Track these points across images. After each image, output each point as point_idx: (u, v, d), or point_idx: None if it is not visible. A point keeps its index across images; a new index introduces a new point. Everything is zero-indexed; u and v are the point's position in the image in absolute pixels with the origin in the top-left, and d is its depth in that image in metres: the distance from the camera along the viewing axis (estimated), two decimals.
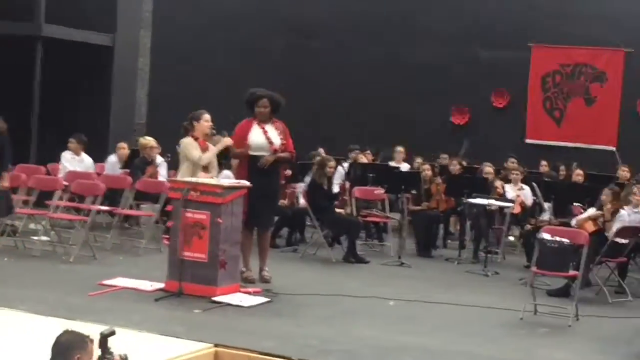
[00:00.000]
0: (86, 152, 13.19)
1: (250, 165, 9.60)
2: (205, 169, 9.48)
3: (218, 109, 10.45)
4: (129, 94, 16.60)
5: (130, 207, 12.10)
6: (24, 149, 13.30)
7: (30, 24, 14.06)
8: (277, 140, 9.65)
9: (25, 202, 11.64)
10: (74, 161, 13.06)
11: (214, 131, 9.88)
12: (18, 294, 8.44)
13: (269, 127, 9.70)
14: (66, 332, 3.93)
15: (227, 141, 9.94)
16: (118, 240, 11.84)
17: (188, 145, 9.54)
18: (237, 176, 9.98)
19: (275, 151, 9.61)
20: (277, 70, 16.62)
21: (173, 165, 12.31)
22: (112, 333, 3.93)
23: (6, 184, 9.31)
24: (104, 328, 4.03)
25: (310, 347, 7.17)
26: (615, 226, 10.06)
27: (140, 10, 17.57)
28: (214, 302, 8.54)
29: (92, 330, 4.09)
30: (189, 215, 8.87)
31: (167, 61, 16.89)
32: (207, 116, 9.62)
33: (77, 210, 11.86)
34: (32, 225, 11.87)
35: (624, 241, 10.16)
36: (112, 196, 12.19)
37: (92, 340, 3.92)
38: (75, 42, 14.59)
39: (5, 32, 14.38)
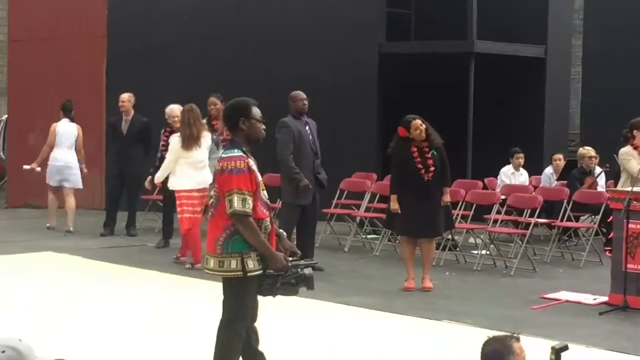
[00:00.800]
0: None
1: None
2: None
3: None
4: (562, 104, 16.36)
5: (569, 219, 11.88)
6: (461, 165, 13.58)
7: (464, 41, 14.39)
8: None
9: (464, 217, 11.87)
10: (514, 176, 13.15)
11: None
12: (462, 308, 8.61)
13: None
14: (491, 339, 3.81)
15: None
16: (557, 253, 11.70)
17: (625, 155, 9.18)
18: None
19: None
20: None
21: (611, 175, 11.93)
22: (565, 348, 3.78)
23: (448, 199, 9.58)
24: (555, 343, 3.91)
25: None
26: None
27: (571, 18, 17.29)
28: None
29: (539, 345, 4.00)
30: (632, 226, 8.52)
31: (599, 69, 16.42)
32: None
33: (516, 224, 11.88)
34: (471, 240, 12.08)
35: None
36: (550, 208, 12.08)
37: (517, 339, 3.79)
38: (506, 55, 14.68)
39: (441, 51, 14.86)
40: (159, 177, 10.87)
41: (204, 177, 10.28)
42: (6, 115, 17.85)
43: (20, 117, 17.10)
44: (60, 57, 16.48)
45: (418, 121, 9.27)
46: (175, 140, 10.48)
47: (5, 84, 18.00)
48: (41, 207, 14.99)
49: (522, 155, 13.21)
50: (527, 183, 13.12)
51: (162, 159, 10.99)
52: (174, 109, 11.36)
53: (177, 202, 10.44)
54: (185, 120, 10.43)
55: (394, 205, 9.38)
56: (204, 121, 10.99)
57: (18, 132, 17.12)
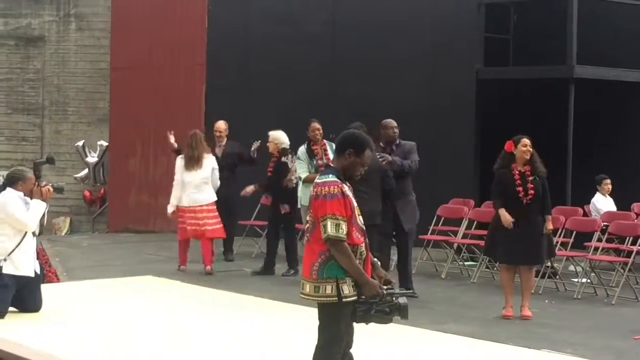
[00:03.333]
0: (614, 192, 13.00)
1: None
2: None
3: None
4: None
5: None
6: (561, 191, 13.37)
7: (563, 66, 14.20)
8: None
9: (564, 244, 11.64)
10: (605, 202, 12.90)
11: None
12: (562, 337, 8.44)
13: None
14: None
15: None
16: None
17: None
18: None
19: None
20: None
21: None
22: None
23: (550, 227, 9.44)
24: None
25: None
26: None
27: None
28: None
29: None
30: None
31: None
32: None
33: (617, 252, 11.61)
34: (571, 267, 11.85)
35: None
36: None
37: None
38: (607, 80, 14.43)
39: (539, 76, 14.69)
40: (172, 201, 11.82)
41: (205, 196, 11.63)
42: (106, 143, 18.27)
43: (120, 144, 17.48)
44: (160, 85, 16.82)
45: (528, 141, 9.26)
46: (178, 162, 11.79)
47: (107, 110, 18.44)
48: (141, 232, 15.28)
49: (609, 181, 13.01)
50: (614, 209, 12.84)
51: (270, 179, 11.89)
52: (276, 136, 11.85)
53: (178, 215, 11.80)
54: (189, 143, 11.67)
55: (507, 216, 9.19)
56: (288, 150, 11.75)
57: (119, 158, 17.50)
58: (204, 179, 11.65)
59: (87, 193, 19.04)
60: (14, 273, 8.62)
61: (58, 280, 11.59)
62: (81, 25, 19.51)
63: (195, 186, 11.62)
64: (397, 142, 10.24)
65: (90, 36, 19.42)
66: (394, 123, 10.22)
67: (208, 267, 11.72)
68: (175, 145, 12.77)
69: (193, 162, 11.58)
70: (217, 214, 11.77)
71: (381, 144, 10.12)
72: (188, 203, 11.65)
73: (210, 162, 11.76)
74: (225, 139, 12.91)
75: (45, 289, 9.33)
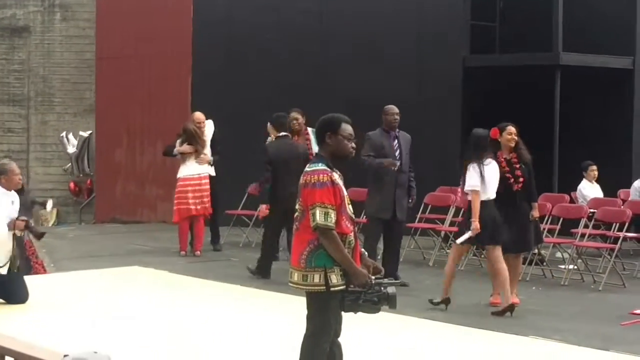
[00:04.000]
0: (600, 179, 13.03)
1: None
2: None
3: None
4: None
5: None
6: (547, 178, 13.40)
7: (549, 53, 14.22)
8: None
9: (551, 231, 11.68)
10: (592, 189, 12.94)
11: None
12: (550, 324, 8.47)
13: None
14: None
15: None
16: None
17: None
18: None
19: None
20: None
21: None
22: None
23: (537, 214, 9.47)
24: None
25: None
26: None
27: None
28: None
29: None
30: None
31: None
32: None
33: (604, 238, 11.65)
34: (558, 254, 11.89)
35: None
36: (639, 222, 11.81)
37: None
38: (593, 67, 14.45)
39: (526, 63, 14.71)
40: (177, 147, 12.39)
41: (205, 168, 12.27)
42: (90, 132, 18.18)
43: (107, 134, 17.42)
44: (145, 75, 16.76)
45: (513, 129, 9.27)
46: (178, 144, 12.29)
47: (93, 100, 18.38)
48: (127, 222, 15.25)
49: (595, 167, 13.04)
50: (601, 196, 12.87)
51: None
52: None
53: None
54: (191, 133, 12.20)
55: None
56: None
57: (105, 148, 17.44)
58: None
59: (72, 184, 18.97)
60: None
61: (45, 272, 11.54)
62: (66, 16, 19.41)
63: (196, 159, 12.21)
64: (397, 131, 10.30)
65: (75, 26, 19.31)
66: (395, 109, 10.26)
67: (198, 252, 12.09)
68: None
69: (196, 145, 12.22)
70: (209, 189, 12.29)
71: (383, 128, 10.21)
72: (186, 173, 12.17)
73: (209, 129, 12.42)
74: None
75: (32, 280, 9.31)
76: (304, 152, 10.85)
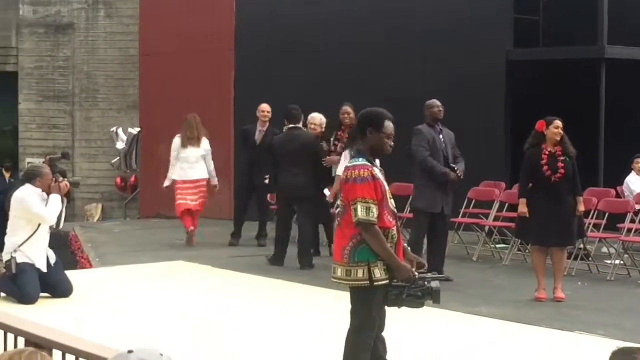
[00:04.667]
0: None
1: None
2: None
3: None
4: None
5: None
6: (593, 173, 13.26)
7: (594, 46, 14.06)
8: None
9: (596, 226, 11.56)
10: (638, 182, 12.76)
11: None
12: (595, 319, 8.39)
13: None
14: (618, 351, 3.59)
15: None
16: None
17: None
18: None
19: None
20: None
21: None
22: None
23: (582, 208, 9.39)
24: None
25: None
26: None
27: None
28: None
29: None
30: None
31: None
32: None
33: None
34: (604, 249, 11.76)
35: None
36: None
37: None
38: (638, 60, 14.27)
39: (570, 57, 14.57)
40: (169, 176, 12.85)
41: (201, 171, 12.67)
42: (138, 129, 18.31)
43: (150, 130, 17.54)
44: (189, 71, 16.84)
45: (560, 123, 9.23)
46: (176, 140, 12.75)
47: (136, 97, 18.51)
48: (171, 218, 15.32)
49: None
50: None
51: None
52: (315, 117, 11.81)
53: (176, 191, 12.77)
54: (189, 123, 12.67)
55: (522, 208, 9.23)
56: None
57: (149, 144, 17.56)
58: (199, 157, 12.62)
59: (118, 179, 19.12)
60: (29, 261, 8.70)
61: (90, 266, 11.67)
62: (110, 12, 19.57)
63: (190, 163, 12.61)
64: (440, 127, 10.27)
65: (119, 23, 19.47)
66: (437, 102, 10.24)
67: (192, 228, 12.80)
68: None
69: (192, 141, 12.60)
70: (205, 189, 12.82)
71: (427, 123, 10.18)
72: (183, 177, 12.65)
73: (206, 144, 12.73)
74: (268, 124, 12.87)
75: (78, 274, 9.41)
76: (312, 143, 11.00)
